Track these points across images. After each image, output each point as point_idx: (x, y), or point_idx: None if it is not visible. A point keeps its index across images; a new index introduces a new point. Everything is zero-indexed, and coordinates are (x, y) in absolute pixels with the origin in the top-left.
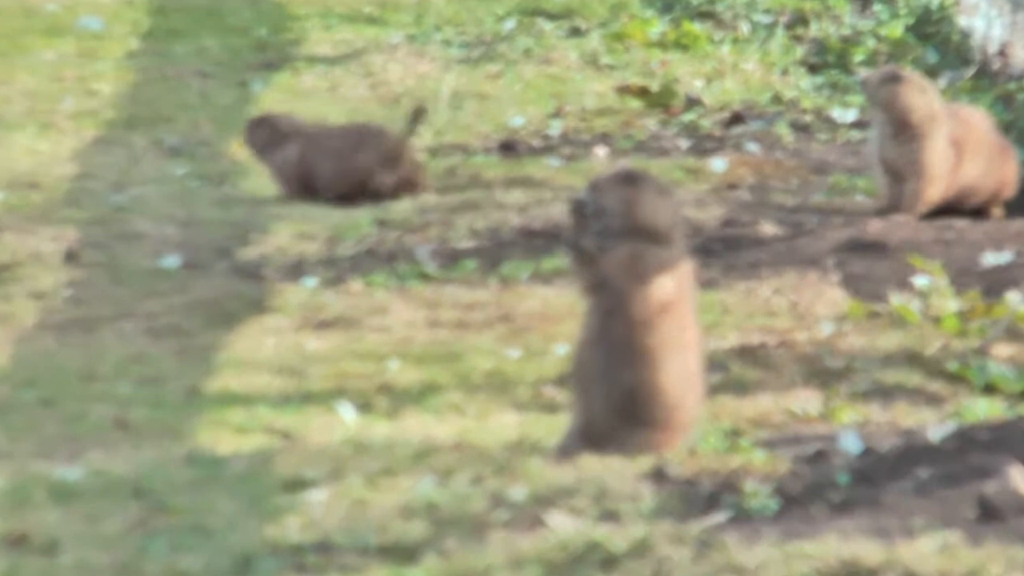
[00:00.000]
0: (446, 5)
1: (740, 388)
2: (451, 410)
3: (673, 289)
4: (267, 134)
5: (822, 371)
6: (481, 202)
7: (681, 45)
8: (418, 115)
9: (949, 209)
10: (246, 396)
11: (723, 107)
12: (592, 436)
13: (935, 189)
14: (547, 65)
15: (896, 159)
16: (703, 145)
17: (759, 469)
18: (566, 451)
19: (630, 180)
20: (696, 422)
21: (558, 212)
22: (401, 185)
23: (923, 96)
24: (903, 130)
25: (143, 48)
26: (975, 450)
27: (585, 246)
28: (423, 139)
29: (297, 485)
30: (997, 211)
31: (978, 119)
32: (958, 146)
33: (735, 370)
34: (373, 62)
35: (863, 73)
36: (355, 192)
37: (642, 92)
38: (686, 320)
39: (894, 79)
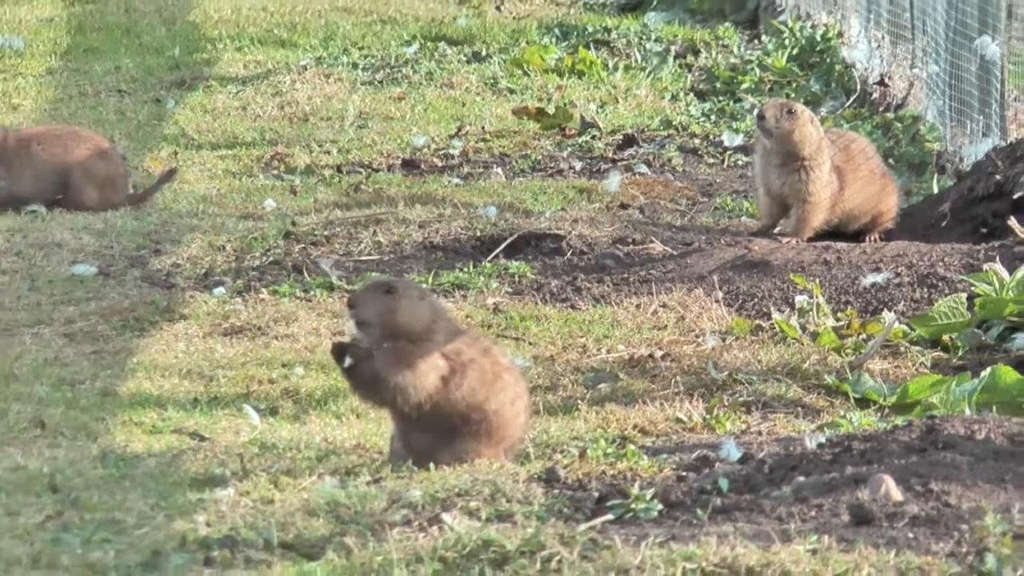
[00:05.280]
0: (353, 29)
1: (628, 397)
2: (352, 414)
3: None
4: None
5: (706, 382)
6: (384, 217)
7: (577, 71)
8: (168, 176)
9: (833, 233)
10: (158, 398)
11: (616, 130)
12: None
13: (820, 215)
14: (449, 88)
15: (781, 187)
16: (596, 166)
17: (645, 474)
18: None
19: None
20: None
21: (457, 227)
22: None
23: (815, 128)
24: (792, 160)
25: (62, 66)
26: (849, 459)
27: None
28: (330, 157)
29: (205, 483)
30: (876, 236)
31: (861, 146)
32: (840, 173)
33: (624, 380)
34: (282, 82)
35: (751, 100)
36: None
37: (539, 114)
38: (495, 365)
39: (791, 113)
